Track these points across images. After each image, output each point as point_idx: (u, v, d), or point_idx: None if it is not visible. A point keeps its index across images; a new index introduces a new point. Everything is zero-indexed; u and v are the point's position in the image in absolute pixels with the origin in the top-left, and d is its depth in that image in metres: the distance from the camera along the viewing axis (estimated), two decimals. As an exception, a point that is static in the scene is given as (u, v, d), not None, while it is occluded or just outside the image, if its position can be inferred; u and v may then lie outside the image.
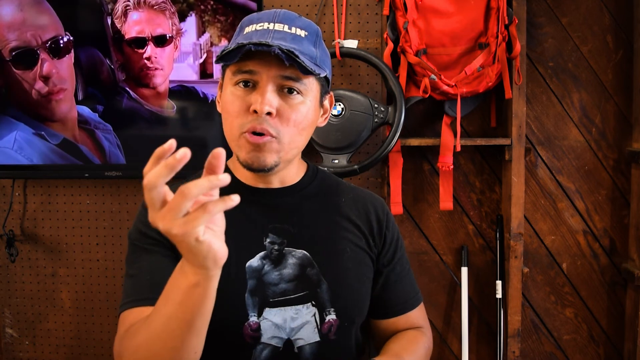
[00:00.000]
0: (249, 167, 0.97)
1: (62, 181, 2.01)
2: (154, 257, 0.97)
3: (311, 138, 1.80)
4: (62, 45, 1.76)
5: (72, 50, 1.78)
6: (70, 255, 2.04)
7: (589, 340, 2.01)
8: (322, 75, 0.98)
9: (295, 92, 0.95)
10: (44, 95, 1.79)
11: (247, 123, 0.94)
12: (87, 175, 1.86)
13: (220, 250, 0.70)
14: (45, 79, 1.77)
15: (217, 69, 1.80)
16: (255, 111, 0.93)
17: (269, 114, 0.93)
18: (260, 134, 0.93)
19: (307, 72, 0.93)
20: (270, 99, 0.93)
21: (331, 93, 1.07)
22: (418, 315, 1.14)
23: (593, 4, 1.92)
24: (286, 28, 0.95)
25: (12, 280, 2.06)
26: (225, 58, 0.93)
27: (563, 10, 1.92)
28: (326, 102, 1.06)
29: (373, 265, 1.08)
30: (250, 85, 0.95)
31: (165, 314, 0.78)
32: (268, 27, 0.95)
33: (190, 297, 0.74)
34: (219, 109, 1.04)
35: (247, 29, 0.97)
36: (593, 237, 1.99)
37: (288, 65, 0.92)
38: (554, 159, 1.97)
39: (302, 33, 0.97)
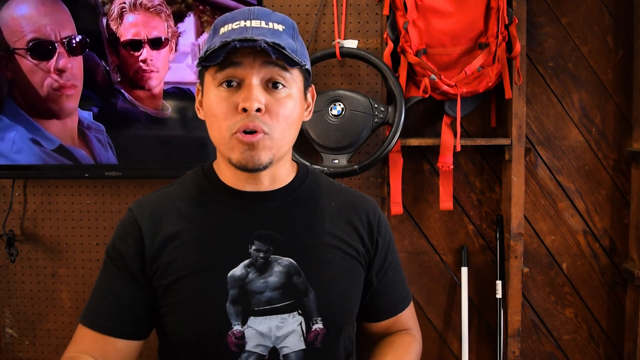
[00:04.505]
0: (243, 168, 0.95)
1: (62, 181, 2.01)
2: (112, 278, 0.99)
3: (311, 138, 1.82)
4: (75, 44, 1.77)
5: (84, 51, 1.78)
6: (70, 255, 2.04)
7: (589, 340, 2.01)
8: (306, 66, 0.97)
9: (280, 86, 0.94)
10: (55, 89, 1.78)
11: (237, 123, 0.92)
12: (86, 175, 1.86)
13: None
14: (60, 72, 1.77)
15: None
16: (244, 109, 0.91)
17: (258, 110, 0.91)
18: (252, 132, 0.92)
19: (293, 64, 0.92)
20: (257, 94, 0.91)
21: (312, 86, 1.06)
22: (408, 315, 1.13)
23: (593, 4, 1.92)
24: (263, 24, 0.93)
25: (12, 280, 2.06)
26: (210, 58, 0.91)
27: (563, 10, 1.92)
28: (309, 96, 1.04)
29: (363, 271, 1.06)
30: (234, 84, 0.93)
31: None
32: (245, 25, 0.93)
33: None
34: (200, 115, 1.02)
35: (223, 29, 0.95)
36: (593, 237, 1.99)
37: (274, 59, 0.90)
38: (554, 159, 1.97)
39: (280, 27, 0.95)
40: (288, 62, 0.92)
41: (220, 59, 0.90)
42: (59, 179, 2.00)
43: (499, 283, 1.91)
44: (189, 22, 1.79)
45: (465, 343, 1.93)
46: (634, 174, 1.92)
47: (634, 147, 1.91)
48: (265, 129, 0.92)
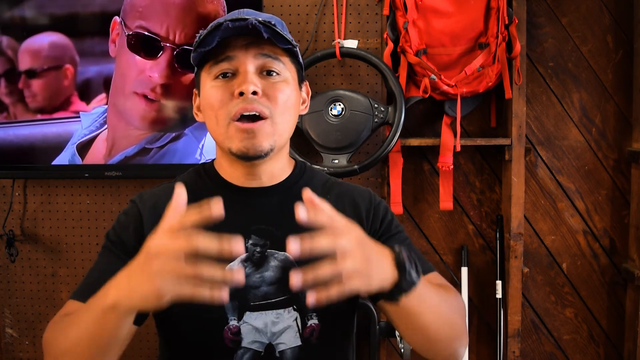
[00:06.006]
0: (244, 156, 0.94)
1: (62, 181, 2.01)
2: (112, 258, 0.98)
3: (311, 138, 1.82)
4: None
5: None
6: (70, 255, 2.04)
7: (589, 340, 2.01)
8: (296, 47, 0.98)
9: (274, 74, 0.95)
10: None
11: (234, 107, 0.92)
12: (86, 175, 1.86)
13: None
14: None
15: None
16: (241, 93, 0.92)
17: (254, 93, 0.92)
18: (252, 118, 0.92)
19: (286, 43, 0.93)
20: (253, 79, 0.92)
21: (306, 82, 1.06)
22: (433, 278, 1.00)
23: (593, 4, 1.92)
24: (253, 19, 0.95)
25: (12, 280, 2.06)
26: (204, 42, 0.92)
27: (563, 10, 1.92)
28: (304, 91, 1.05)
29: None
30: (229, 75, 0.94)
31: (80, 327, 0.81)
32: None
33: (104, 319, 0.77)
34: (199, 118, 1.02)
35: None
36: (593, 237, 1.99)
37: (266, 38, 0.91)
38: (554, 159, 1.97)
39: (270, 21, 0.96)
40: (279, 40, 0.93)
41: (215, 43, 0.91)
42: (59, 179, 1.99)
43: (499, 283, 1.91)
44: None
45: (465, 343, 1.92)
46: (634, 174, 1.92)
47: (634, 147, 1.91)
48: (266, 111, 0.93)
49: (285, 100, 0.95)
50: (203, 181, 1.04)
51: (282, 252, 0.98)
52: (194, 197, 1.01)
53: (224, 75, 0.94)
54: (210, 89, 0.95)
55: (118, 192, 2.00)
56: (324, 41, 1.92)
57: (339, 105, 1.80)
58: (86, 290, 0.96)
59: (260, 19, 0.92)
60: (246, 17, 0.91)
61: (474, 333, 2.00)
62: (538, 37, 1.93)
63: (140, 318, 0.97)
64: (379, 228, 1.05)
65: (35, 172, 1.88)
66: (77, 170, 1.86)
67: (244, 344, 0.95)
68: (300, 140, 1.86)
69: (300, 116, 1.79)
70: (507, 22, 1.77)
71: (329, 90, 1.83)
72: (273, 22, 0.92)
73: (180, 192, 0.73)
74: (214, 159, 1.07)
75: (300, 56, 1.02)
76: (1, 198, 2.04)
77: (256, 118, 0.93)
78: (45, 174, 1.90)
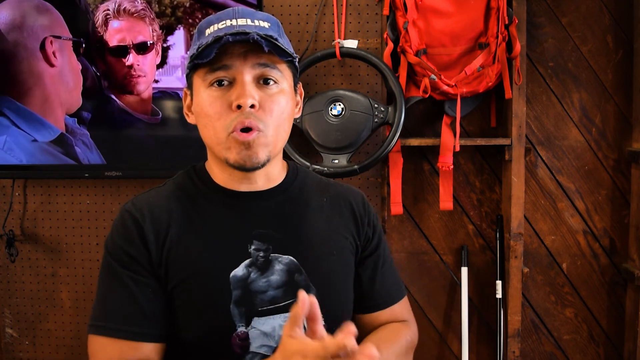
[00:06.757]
0: (241, 167, 0.94)
1: (62, 181, 2.01)
2: (128, 281, 0.94)
3: (311, 138, 1.82)
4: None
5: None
6: (70, 255, 2.04)
7: (589, 340, 2.01)
8: (296, 59, 0.97)
9: (272, 82, 0.94)
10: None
11: (232, 121, 0.92)
12: (86, 175, 1.86)
13: None
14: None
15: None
16: (238, 106, 0.91)
17: (252, 106, 0.91)
18: (248, 130, 0.92)
19: (286, 55, 0.93)
20: (251, 91, 0.91)
21: (300, 84, 1.05)
22: (402, 308, 1.10)
23: (593, 4, 1.92)
24: (249, 22, 0.93)
25: (12, 280, 2.06)
26: (202, 55, 0.90)
27: (563, 10, 1.92)
28: (297, 94, 1.04)
29: (354, 264, 1.06)
30: (225, 83, 0.93)
31: None
32: (231, 24, 0.93)
33: None
34: (190, 120, 1.01)
35: (208, 30, 0.94)
36: (593, 237, 1.99)
37: (267, 52, 0.90)
38: (554, 159, 1.97)
39: (266, 24, 0.95)
40: (280, 53, 0.92)
41: (213, 55, 0.90)
42: (59, 179, 2.00)
43: (499, 283, 1.91)
44: (179, 35, 1.78)
45: (465, 343, 1.93)
46: (634, 174, 1.92)
47: (634, 147, 1.91)
48: (261, 126, 0.92)
49: (281, 112, 0.95)
50: (195, 185, 1.03)
51: (286, 256, 0.98)
52: (188, 201, 1.01)
53: (220, 82, 0.93)
54: (206, 98, 0.94)
55: (118, 192, 2.00)
56: (324, 41, 1.92)
57: (339, 105, 1.80)
58: (112, 322, 0.93)
59: (261, 32, 0.91)
60: (247, 30, 0.90)
61: (474, 333, 2.00)
62: (538, 37, 1.93)
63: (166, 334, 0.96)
64: (371, 237, 1.08)
65: (35, 172, 1.88)
66: (77, 170, 1.86)
67: (252, 348, 0.95)
68: (300, 140, 1.86)
69: (301, 116, 1.80)
70: (507, 22, 1.77)
71: (329, 90, 1.83)
72: (275, 37, 0.91)
73: (305, 301, 0.74)
74: (205, 161, 1.05)
75: (297, 62, 1.02)
76: (1, 198, 2.04)
77: (252, 129, 0.93)
78: (45, 174, 1.90)
